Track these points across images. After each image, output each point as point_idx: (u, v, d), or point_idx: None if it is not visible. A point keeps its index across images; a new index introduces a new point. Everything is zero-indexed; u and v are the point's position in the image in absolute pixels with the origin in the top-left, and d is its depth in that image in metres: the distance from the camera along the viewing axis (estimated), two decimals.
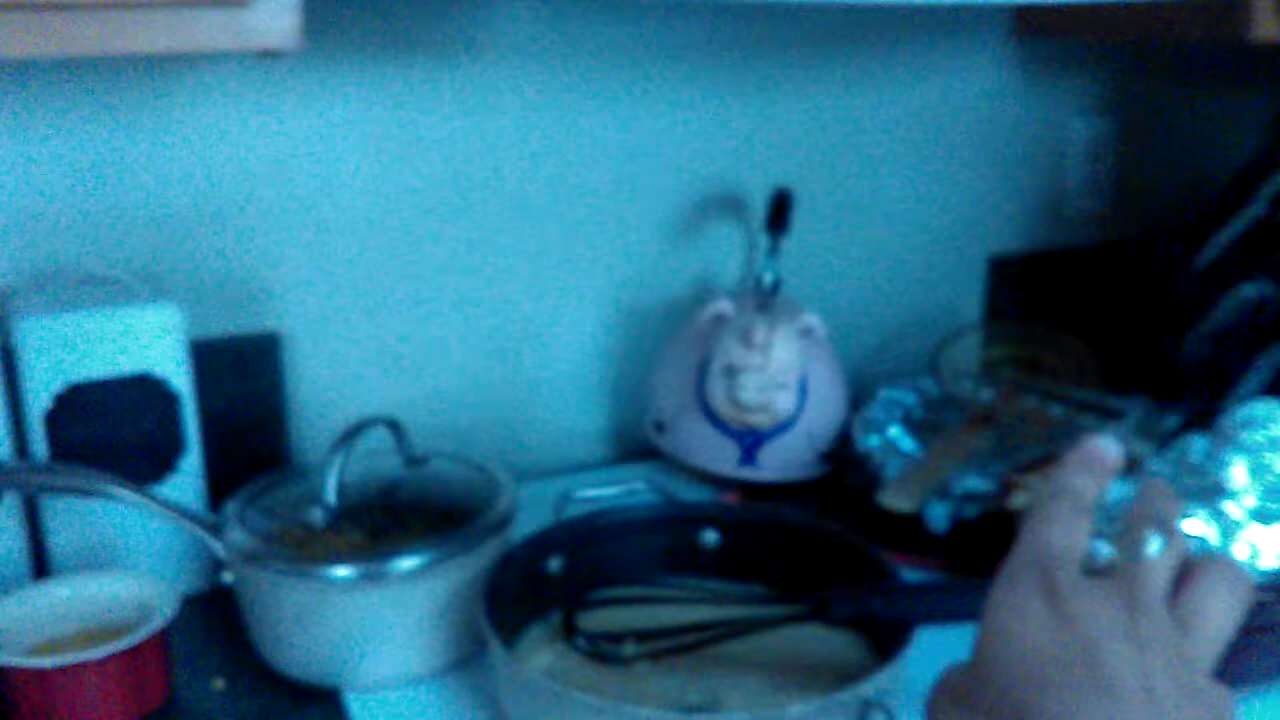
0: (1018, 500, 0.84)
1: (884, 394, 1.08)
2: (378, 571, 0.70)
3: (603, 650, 0.72)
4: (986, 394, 1.10)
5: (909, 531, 0.90)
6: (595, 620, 0.74)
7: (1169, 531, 0.44)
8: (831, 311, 1.05)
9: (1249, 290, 1.05)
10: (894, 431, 1.02)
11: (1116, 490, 0.77)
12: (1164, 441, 0.80)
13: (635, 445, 1.08)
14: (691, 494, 0.99)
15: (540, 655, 0.73)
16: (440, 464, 0.81)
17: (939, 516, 0.91)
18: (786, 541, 0.80)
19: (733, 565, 0.80)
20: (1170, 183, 1.30)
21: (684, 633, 0.71)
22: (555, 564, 0.77)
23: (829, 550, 0.78)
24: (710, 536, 0.81)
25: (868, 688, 0.62)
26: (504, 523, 0.76)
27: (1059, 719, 0.39)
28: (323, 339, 0.96)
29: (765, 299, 0.98)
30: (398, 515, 0.78)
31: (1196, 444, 0.77)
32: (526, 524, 0.79)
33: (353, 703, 0.71)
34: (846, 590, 0.68)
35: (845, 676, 0.65)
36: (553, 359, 1.06)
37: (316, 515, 0.74)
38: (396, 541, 0.76)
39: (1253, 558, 0.70)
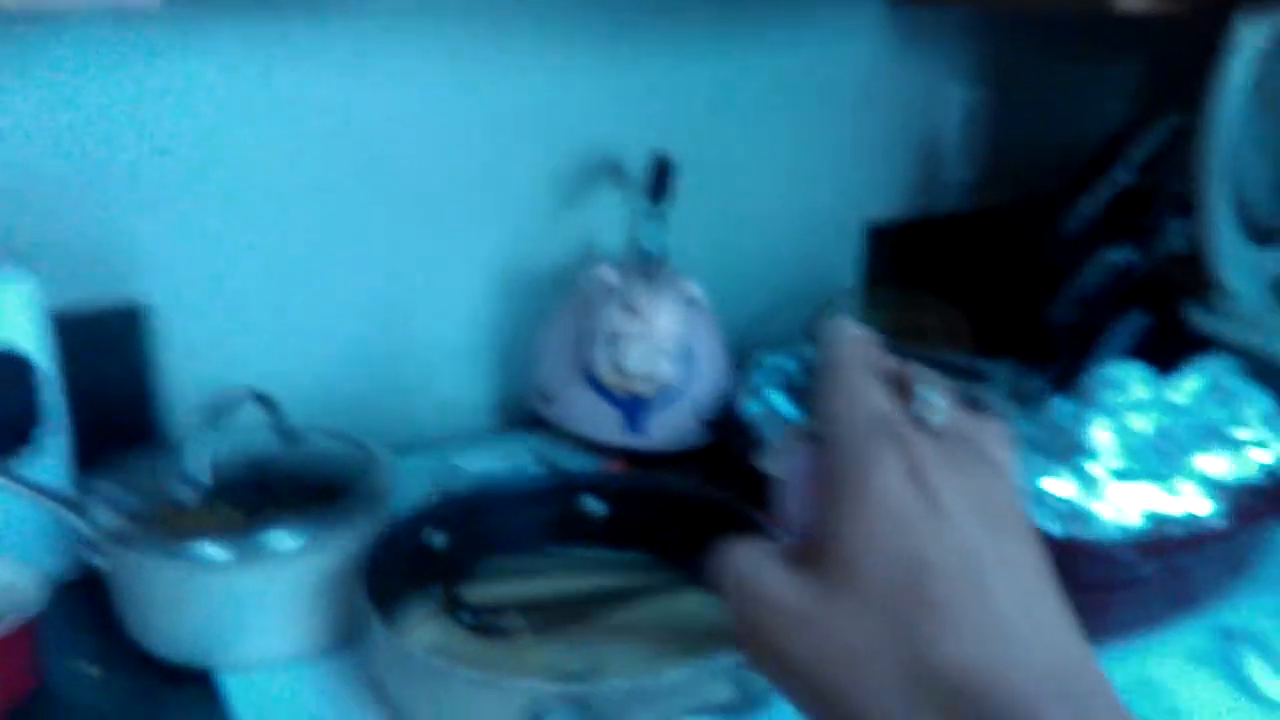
0: None
1: (765, 361, 1.09)
2: (251, 550, 0.68)
3: (486, 623, 0.72)
4: None
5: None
6: (479, 593, 0.74)
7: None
8: (714, 279, 1.05)
9: (1114, 255, 1.09)
10: (776, 398, 1.03)
11: None
12: (1029, 403, 0.83)
13: (522, 415, 1.08)
14: (577, 463, 0.99)
15: (423, 631, 0.73)
16: (316, 439, 0.80)
17: None
18: (671, 509, 0.80)
19: (618, 534, 0.80)
20: (1042, 150, 1.34)
21: (567, 603, 0.71)
22: (437, 538, 0.77)
23: (714, 517, 0.78)
24: (595, 505, 0.81)
25: None
26: (381, 497, 0.75)
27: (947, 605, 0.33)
28: (194, 310, 0.93)
29: (648, 267, 0.98)
30: (272, 492, 0.76)
31: (1061, 406, 0.80)
32: (408, 497, 0.78)
33: (229, 684, 0.70)
34: None
35: (729, 641, 0.66)
36: (436, 328, 1.04)
37: (186, 493, 0.72)
38: (271, 519, 0.74)
39: (1116, 516, 0.73)
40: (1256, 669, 0.76)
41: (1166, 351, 1.05)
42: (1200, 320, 1.05)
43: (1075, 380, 0.88)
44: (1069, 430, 0.77)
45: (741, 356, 1.09)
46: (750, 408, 1.01)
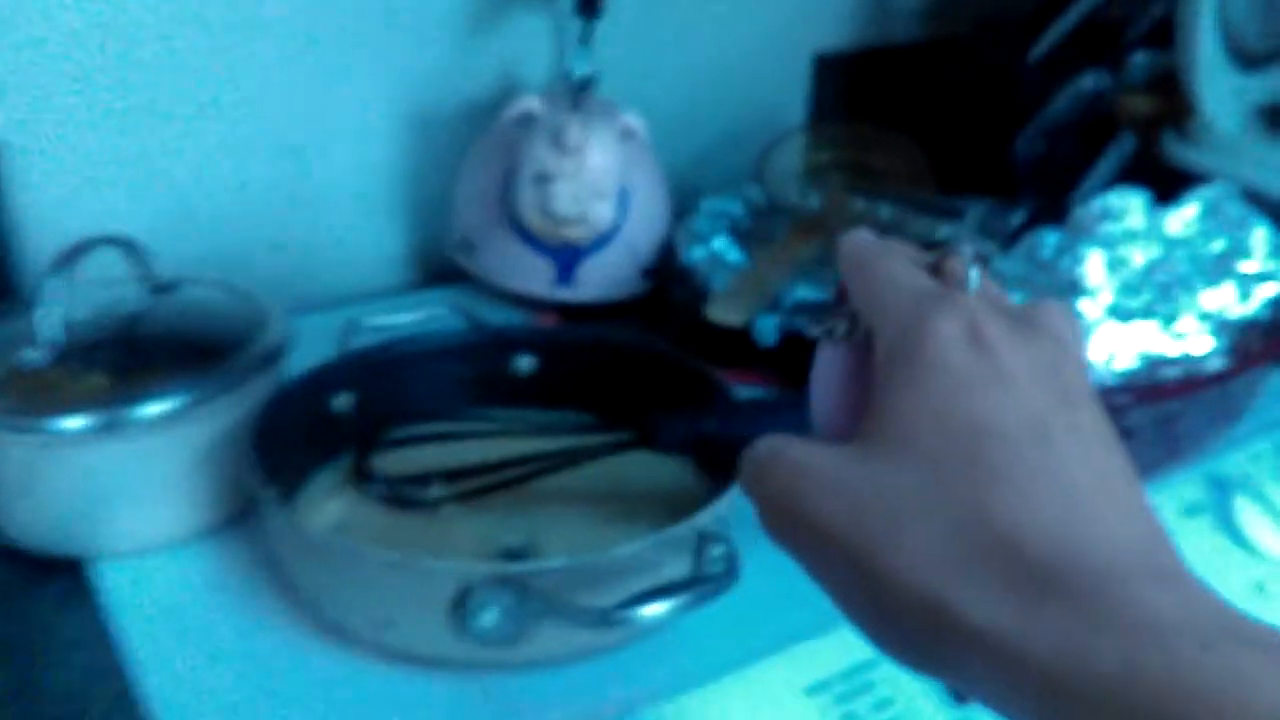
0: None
1: (708, 204, 0.99)
2: (118, 420, 0.57)
3: (403, 494, 0.63)
4: (814, 200, 1.03)
5: (738, 347, 0.83)
6: (394, 462, 0.64)
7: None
8: (649, 113, 0.93)
9: (1086, 82, 1.00)
10: (720, 243, 0.94)
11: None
12: (1010, 239, 0.74)
13: (439, 268, 0.97)
14: (502, 319, 0.89)
15: (328, 507, 0.63)
16: (194, 291, 0.68)
17: (768, 329, 0.83)
18: (608, 364, 0.71)
19: (550, 393, 0.71)
20: None
21: (496, 469, 0.62)
22: (342, 400, 0.67)
23: (655, 371, 0.69)
24: (524, 363, 0.71)
25: (704, 518, 0.54)
26: (274, 355, 0.64)
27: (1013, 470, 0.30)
28: (53, 148, 0.80)
29: (578, 96, 0.86)
30: (144, 353, 0.65)
31: (1047, 239, 0.71)
32: (308, 358, 0.67)
33: (102, 573, 0.60)
34: (674, 413, 0.59)
35: (678, 508, 0.58)
36: (336, 173, 0.92)
37: (37, 355, 0.60)
38: (142, 383, 0.63)
39: (1108, 360, 0.65)
40: (1250, 519, 0.70)
41: (1141, 184, 0.98)
42: (1176, 151, 0.97)
43: (1057, 212, 0.79)
44: (1057, 266, 0.69)
45: (682, 199, 0.98)
46: (693, 254, 0.91)
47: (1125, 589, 0.27)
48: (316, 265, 0.93)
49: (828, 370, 0.39)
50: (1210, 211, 0.72)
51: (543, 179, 0.83)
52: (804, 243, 0.92)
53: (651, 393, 0.68)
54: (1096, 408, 0.32)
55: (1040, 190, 1.02)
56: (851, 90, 1.17)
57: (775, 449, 0.34)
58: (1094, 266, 0.67)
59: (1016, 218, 0.78)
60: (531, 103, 0.85)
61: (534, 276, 0.89)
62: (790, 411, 0.59)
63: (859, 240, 0.38)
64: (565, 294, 0.89)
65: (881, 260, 0.36)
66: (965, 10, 1.20)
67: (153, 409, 0.58)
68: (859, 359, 0.38)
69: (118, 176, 0.82)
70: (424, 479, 0.63)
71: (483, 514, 0.62)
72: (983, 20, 1.14)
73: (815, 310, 0.84)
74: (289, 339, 0.66)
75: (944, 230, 0.88)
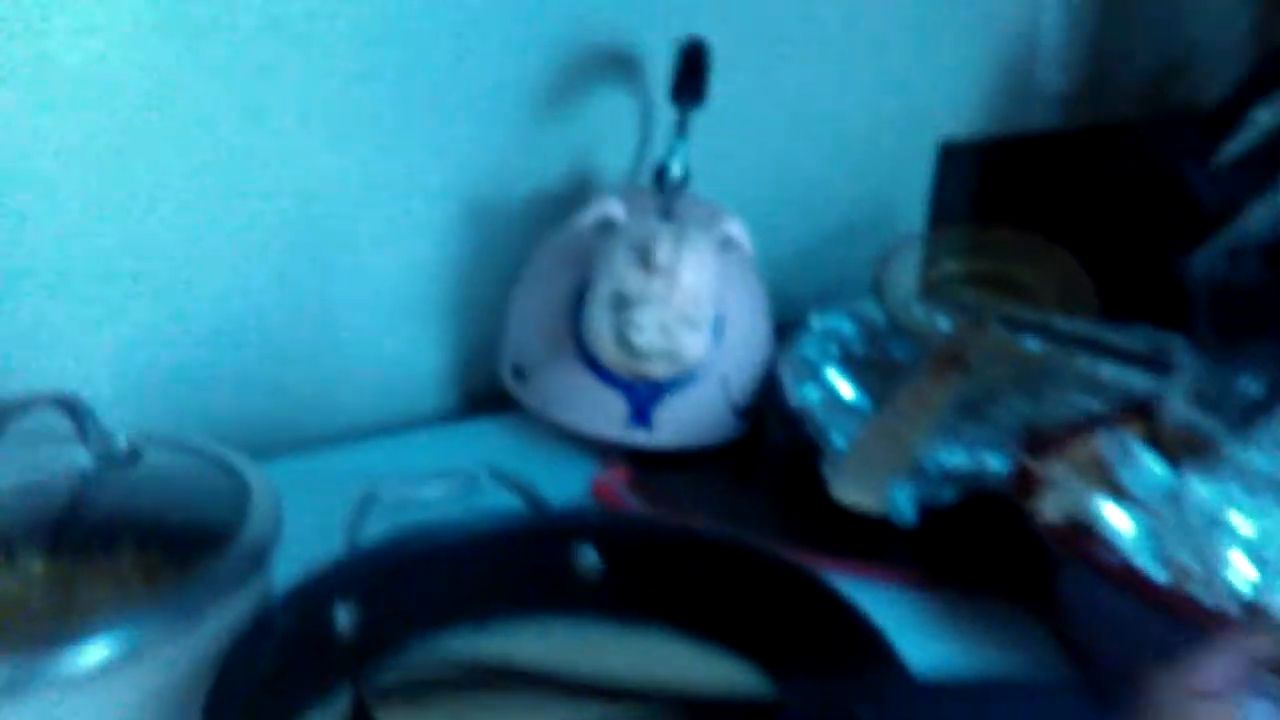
0: (1049, 506, 0.57)
1: (816, 324, 0.81)
2: (31, 676, 0.41)
3: None
4: (943, 322, 0.85)
5: (864, 523, 0.65)
6: (406, 708, 0.47)
7: None
8: (744, 210, 0.77)
9: None
10: (832, 375, 0.76)
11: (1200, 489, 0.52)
12: (1247, 416, 0.56)
13: (486, 391, 0.80)
14: (561, 465, 0.72)
15: None
16: (160, 458, 0.52)
17: (906, 505, 0.66)
18: (704, 568, 0.53)
19: (625, 603, 0.53)
20: (1156, 56, 1.05)
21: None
22: (344, 616, 0.50)
23: (771, 583, 0.51)
24: (588, 558, 0.54)
25: None
26: (255, 559, 0.48)
27: None
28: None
29: (670, 199, 0.70)
30: (95, 534, 0.48)
31: None
32: (305, 542, 0.51)
33: None
34: (815, 692, 0.41)
35: None
36: (370, 276, 0.76)
37: None
38: (87, 574, 0.47)
39: None
40: None
41: None
42: None
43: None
44: None
45: (779, 315, 0.81)
46: (802, 392, 0.74)
47: None
48: (336, 385, 0.76)
49: None
50: None
51: (623, 302, 0.66)
52: (941, 383, 0.74)
53: (769, 613, 0.50)
54: None
55: (1221, 326, 0.83)
56: (984, 187, 0.99)
57: None
58: None
59: (1255, 386, 0.59)
60: (613, 207, 0.68)
61: (602, 415, 0.72)
62: (1005, 704, 0.41)
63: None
64: (641, 438, 0.72)
65: None
66: (1127, 94, 1.02)
67: (81, 660, 0.41)
68: None
69: (98, 289, 0.67)
70: None
71: None
72: (1152, 108, 0.96)
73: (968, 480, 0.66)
74: (277, 529, 0.49)
75: (1136, 381, 0.70)
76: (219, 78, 0.66)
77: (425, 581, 0.51)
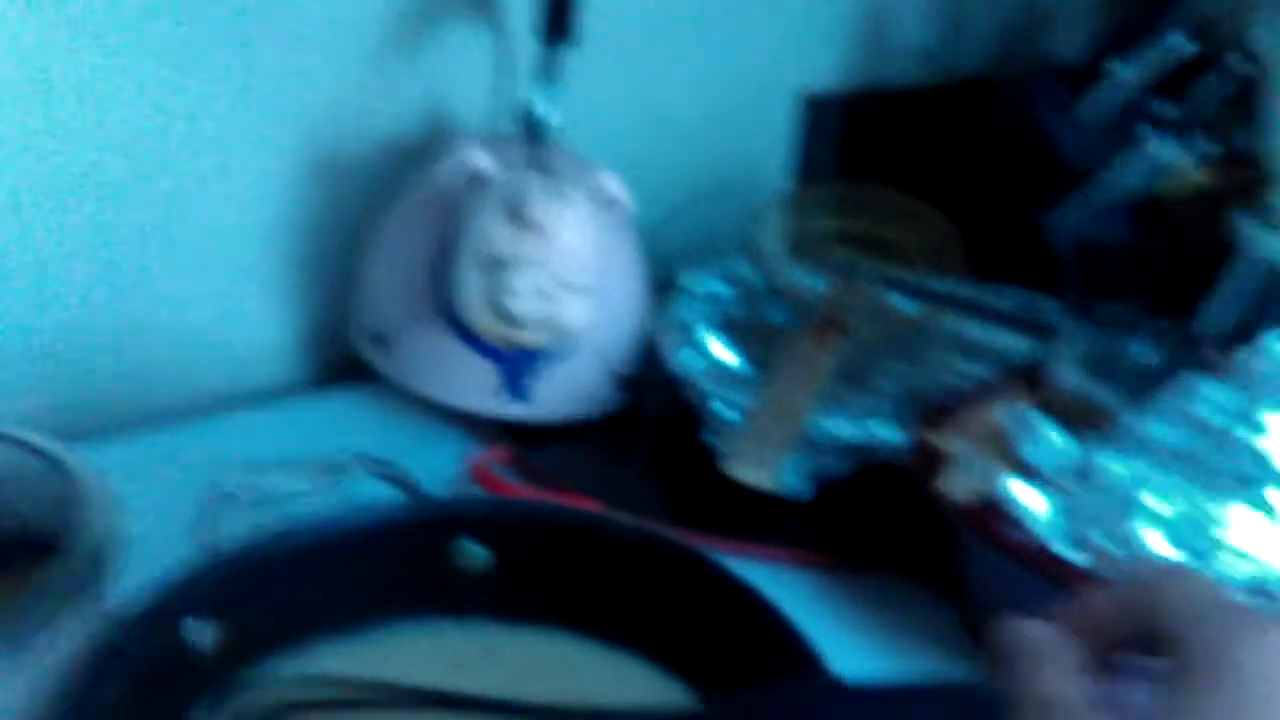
0: (955, 484, 0.54)
1: (690, 286, 0.78)
2: None
3: None
4: (818, 283, 0.83)
5: (752, 500, 0.63)
6: None
7: None
8: (615, 164, 0.72)
9: (1156, 150, 0.82)
10: (710, 340, 0.73)
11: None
12: (1143, 385, 0.55)
13: (343, 361, 0.74)
14: (429, 442, 0.66)
15: None
16: None
17: (797, 477, 0.63)
18: (603, 561, 0.49)
19: (517, 601, 0.48)
20: (1015, 9, 1.05)
21: None
22: (198, 633, 0.43)
23: (678, 578, 0.47)
24: (474, 553, 0.49)
25: None
26: (89, 570, 0.41)
27: None
28: None
29: (542, 148, 0.65)
30: None
31: (1203, 395, 0.52)
32: (151, 540, 0.44)
33: None
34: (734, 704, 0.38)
35: None
36: (206, 234, 0.68)
37: None
38: None
39: None
40: None
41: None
42: (1253, 239, 0.79)
43: (1198, 346, 0.60)
44: (1233, 435, 0.49)
45: (655, 271, 0.76)
46: (680, 357, 0.70)
47: None
48: (173, 362, 0.68)
49: None
50: None
51: (495, 265, 0.61)
52: (825, 348, 0.71)
53: (672, 609, 0.47)
54: None
55: (1086, 284, 0.83)
56: (849, 142, 0.97)
57: (1067, 707, 0.29)
58: None
59: (1143, 352, 0.59)
60: (479, 158, 0.63)
61: (474, 386, 0.66)
62: (930, 706, 0.39)
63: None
64: (516, 411, 0.67)
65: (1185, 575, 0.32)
66: (987, 48, 1.01)
67: None
68: None
69: None
70: None
71: None
72: (1016, 62, 0.95)
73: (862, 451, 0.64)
74: (115, 532, 0.43)
75: (1017, 345, 0.69)
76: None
77: (291, 590, 0.46)
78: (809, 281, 0.82)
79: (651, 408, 0.72)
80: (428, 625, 0.48)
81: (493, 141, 0.67)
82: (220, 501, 0.48)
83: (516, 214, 0.60)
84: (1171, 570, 0.34)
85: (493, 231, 0.61)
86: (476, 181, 0.62)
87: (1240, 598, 0.45)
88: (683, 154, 0.90)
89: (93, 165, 0.62)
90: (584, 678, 0.43)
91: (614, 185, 0.64)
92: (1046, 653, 0.31)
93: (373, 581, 0.47)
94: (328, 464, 0.51)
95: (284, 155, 0.69)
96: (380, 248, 0.69)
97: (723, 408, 0.66)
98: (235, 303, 0.70)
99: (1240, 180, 0.86)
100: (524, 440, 0.66)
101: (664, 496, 0.64)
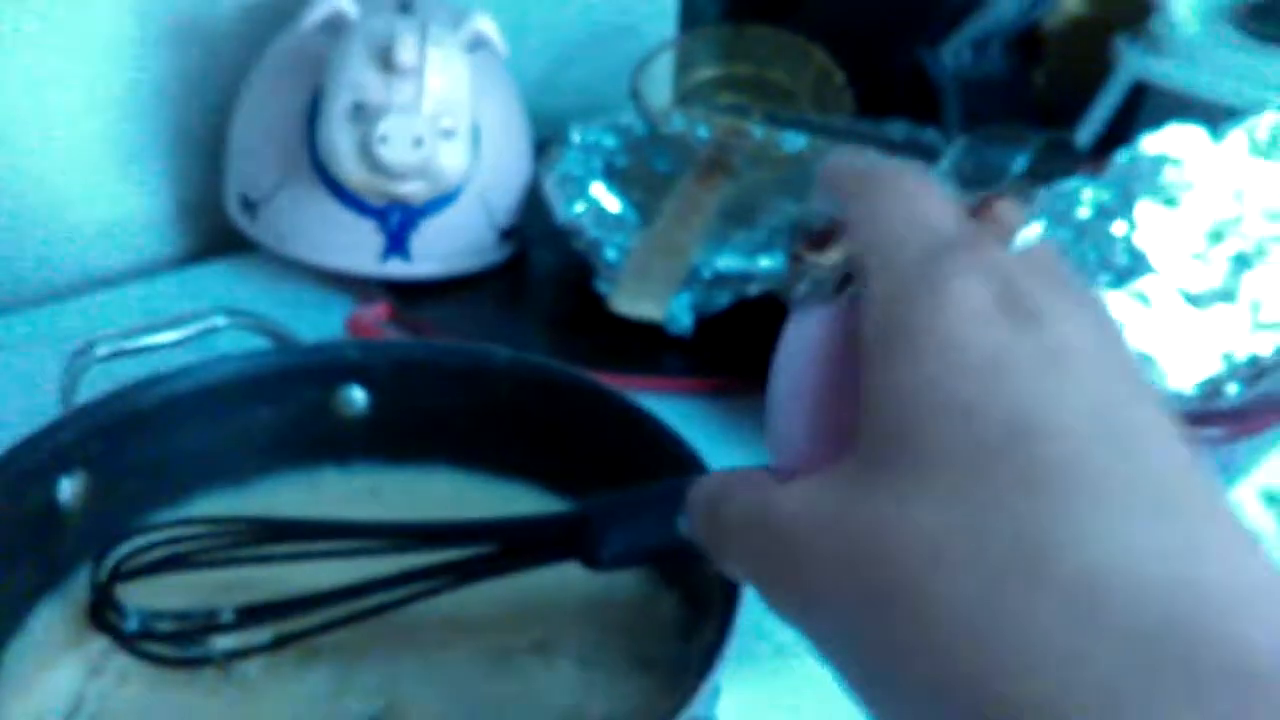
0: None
1: (576, 137, 0.76)
2: None
3: (178, 648, 0.39)
4: (704, 129, 0.82)
5: (640, 335, 0.62)
6: (158, 590, 0.40)
7: None
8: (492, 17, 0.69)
9: None
10: (597, 189, 0.71)
11: None
12: (1021, 191, 0.55)
13: (218, 233, 0.71)
14: (310, 307, 0.65)
15: (49, 680, 0.39)
16: None
17: (682, 312, 0.63)
18: (483, 392, 0.48)
19: (400, 442, 0.48)
20: None
21: (328, 600, 0.39)
22: (69, 488, 0.42)
23: (560, 401, 0.47)
24: (355, 399, 0.48)
25: (695, 697, 0.33)
26: None
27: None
28: None
29: None
30: None
31: (1080, 194, 0.52)
32: (16, 419, 0.43)
33: None
34: (616, 503, 0.37)
35: (619, 631, 0.37)
36: (59, 108, 0.65)
37: None
38: None
39: (1185, 366, 0.47)
40: None
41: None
42: (1132, 59, 0.80)
43: (1070, 150, 0.60)
44: (1107, 231, 0.50)
45: (540, 135, 0.75)
46: (568, 207, 0.69)
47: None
48: (30, 239, 0.65)
49: (803, 354, 0.27)
50: (1264, 149, 0.55)
51: (364, 113, 0.59)
52: (710, 189, 0.70)
53: (560, 436, 0.46)
54: (1161, 401, 0.24)
55: (970, 116, 0.83)
56: None
57: (760, 500, 0.25)
58: (1156, 232, 0.49)
59: (1018, 160, 0.59)
60: (341, 1, 0.60)
61: (352, 247, 0.64)
62: None
63: (858, 161, 0.29)
64: (398, 269, 0.65)
65: (891, 189, 0.27)
66: None
67: None
68: (850, 335, 0.26)
69: None
70: (209, 618, 0.39)
71: (310, 668, 0.39)
72: None
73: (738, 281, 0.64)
74: None
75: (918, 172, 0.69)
76: None
77: (163, 440, 0.44)
78: (694, 127, 0.81)
79: (541, 261, 0.71)
80: (310, 472, 0.47)
81: None
82: (87, 364, 0.46)
83: (383, 57, 0.58)
84: (879, 175, 0.27)
85: (359, 78, 0.58)
86: (339, 26, 0.60)
87: None
88: (567, 4, 0.88)
89: None
90: (473, 509, 0.42)
91: (486, 26, 0.62)
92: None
93: (249, 431, 0.46)
94: (198, 319, 0.49)
95: (133, 14, 0.65)
96: (246, 109, 0.66)
97: (611, 252, 0.65)
98: (97, 179, 0.67)
99: (1117, 9, 0.87)
100: (408, 297, 0.65)
101: (552, 342, 0.64)
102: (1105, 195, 0.50)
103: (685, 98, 0.87)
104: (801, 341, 0.28)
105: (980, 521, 0.21)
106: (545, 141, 0.74)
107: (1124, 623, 0.19)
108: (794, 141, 0.81)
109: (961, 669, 0.21)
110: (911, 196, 0.27)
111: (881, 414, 0.23)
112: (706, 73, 0.88)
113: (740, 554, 0.26)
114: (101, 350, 0.47)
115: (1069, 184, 0.52)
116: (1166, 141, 0.51)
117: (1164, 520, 0.21)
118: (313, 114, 0.61)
